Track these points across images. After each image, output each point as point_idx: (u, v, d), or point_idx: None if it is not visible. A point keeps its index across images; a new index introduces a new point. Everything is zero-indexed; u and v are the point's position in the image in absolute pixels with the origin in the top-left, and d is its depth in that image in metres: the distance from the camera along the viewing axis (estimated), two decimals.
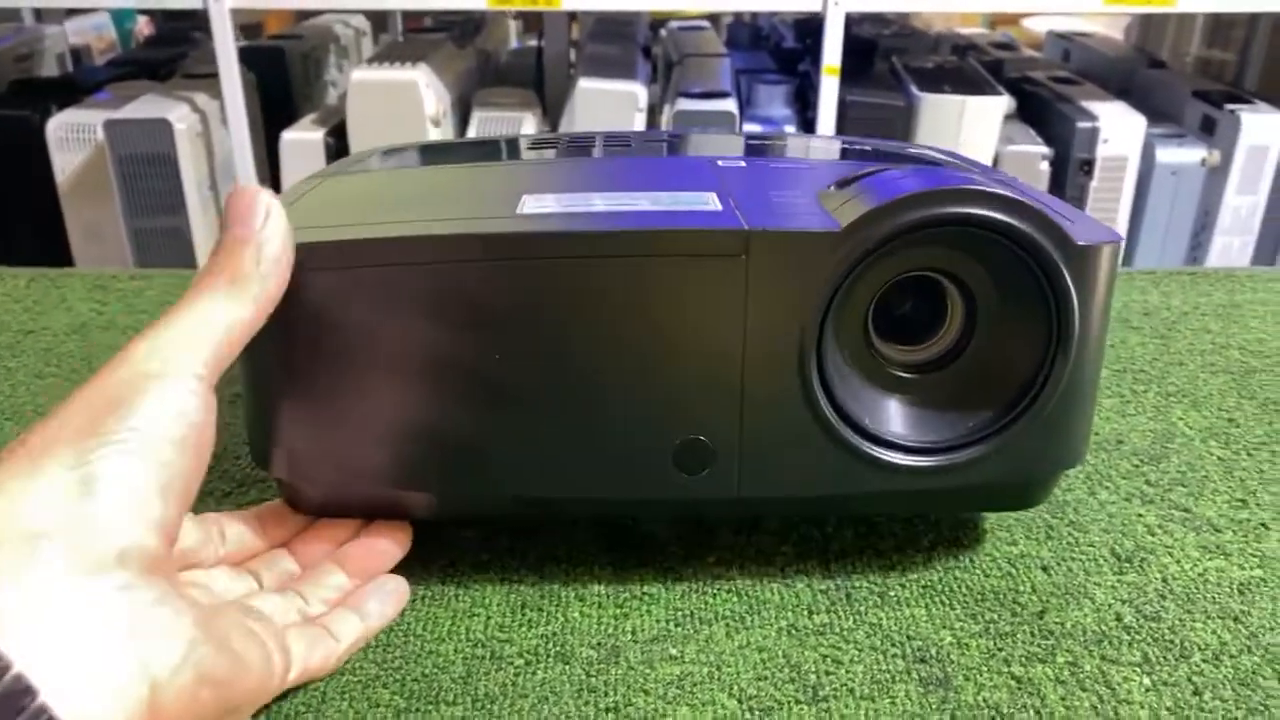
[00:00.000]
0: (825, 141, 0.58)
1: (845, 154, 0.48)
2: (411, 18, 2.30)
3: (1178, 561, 0.37)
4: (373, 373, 0.32)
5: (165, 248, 1.39)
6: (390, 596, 0.33)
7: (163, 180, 1.35)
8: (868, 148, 0.48)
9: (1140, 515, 0.40)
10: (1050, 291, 0.32)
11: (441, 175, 0.43)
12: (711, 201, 0.34)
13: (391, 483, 0.33)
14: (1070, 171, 1.46)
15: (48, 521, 0.23)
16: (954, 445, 0.34)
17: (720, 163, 0.41)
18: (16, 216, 1.55)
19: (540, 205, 0.33)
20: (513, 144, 0.51)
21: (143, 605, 0.23)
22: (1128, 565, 0.37)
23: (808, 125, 1.45)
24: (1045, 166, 1.46)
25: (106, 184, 1.40)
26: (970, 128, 1.42)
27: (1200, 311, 0.59)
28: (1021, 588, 0.36)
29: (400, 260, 0.31)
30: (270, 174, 1.50)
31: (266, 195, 0.30)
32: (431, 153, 0.51)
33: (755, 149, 0.47)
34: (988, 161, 1.45)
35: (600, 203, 0.34)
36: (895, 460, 0.33)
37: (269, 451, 0.34)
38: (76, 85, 1.64)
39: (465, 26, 1.87)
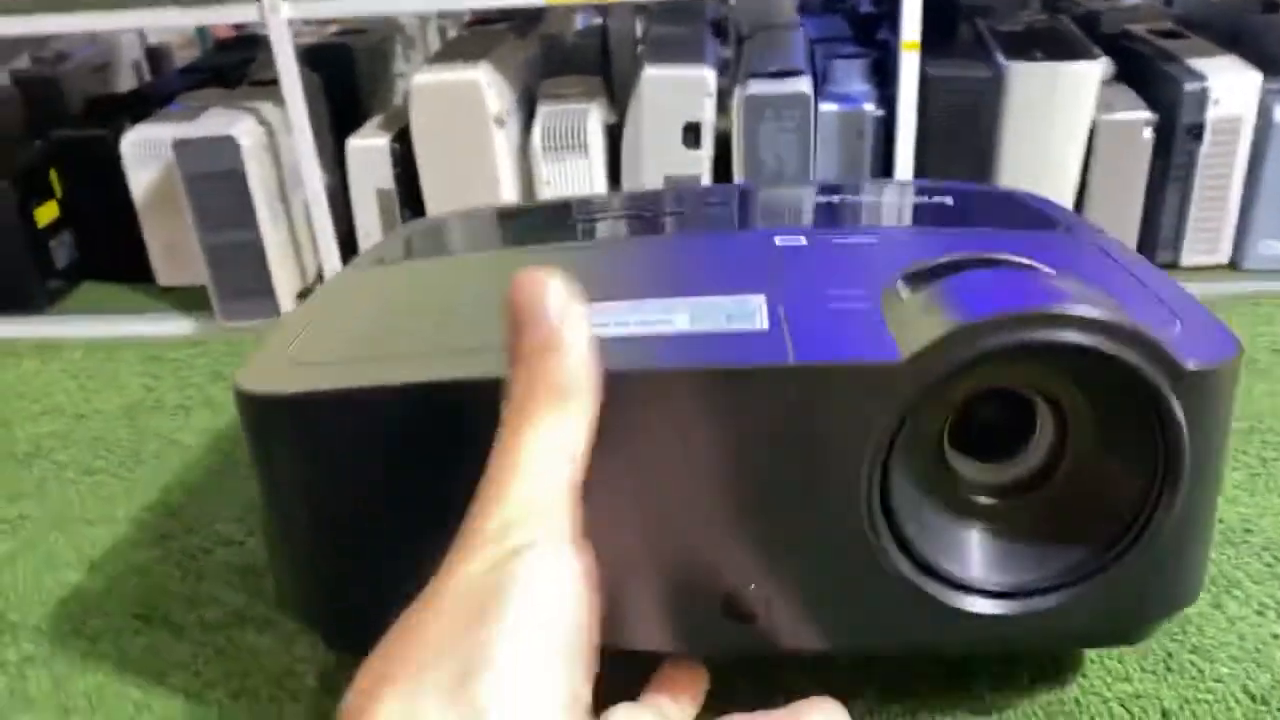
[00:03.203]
0: (898, 193, 0.55)
1: (917, 215, 0.45)
2: None
3: None
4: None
5: (238, 261, 1.40)
6: None
7: (232, 196, 1.36)
8: (946, 202, 0.45)
9: (1278, 635, 0.35)
10: (1157, 421, 0.27)
11: (471, 275, 0.41)
12: (758, 313, 0.30)
13: None
14: (1177, 138, 1.35)
15: None
16: (1044, 588, 0.29)
17: (778, 240, 0.38)
18: (101, 234, 1.59)
19: None
20: (563, 218, 0.48)
21: None
22: (1264, 708, 0.32)
23: (888, 103, 1.37)
24: (1149, 134, 1.36)
25: (179, 200, 1.41)
26: (1064, 97, 1.32)
27: None
28: None
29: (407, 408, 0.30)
30: (340, 178, 1.49)
31: (555, 283, 0.26)
32: (474, 232, 0.50)
33: (823, 211, 0.45)
34: (1084, 132, 1.35)
35: (632, 321, 0.31)
36: (976, 609, 0.29)
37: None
38: (149, 98, 1.66)
39: (526, 12, 1.82)
